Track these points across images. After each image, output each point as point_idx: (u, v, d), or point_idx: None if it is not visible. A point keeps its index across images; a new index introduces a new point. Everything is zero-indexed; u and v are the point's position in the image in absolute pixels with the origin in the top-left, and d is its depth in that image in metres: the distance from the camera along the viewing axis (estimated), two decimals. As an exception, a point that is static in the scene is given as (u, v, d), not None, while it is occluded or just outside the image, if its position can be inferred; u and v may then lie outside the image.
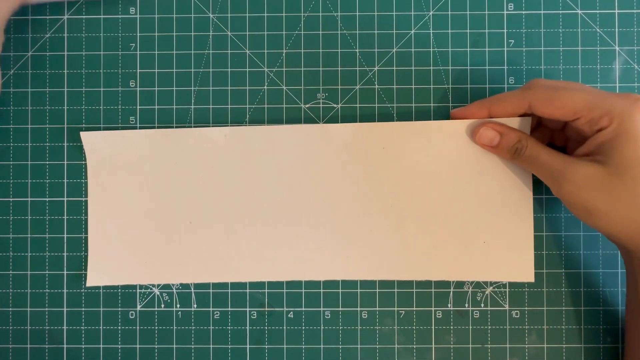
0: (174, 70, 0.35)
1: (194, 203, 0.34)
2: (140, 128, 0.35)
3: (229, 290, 0.35)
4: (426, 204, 0.34)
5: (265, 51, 0.35)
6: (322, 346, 0.35)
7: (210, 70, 0.35)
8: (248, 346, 0.35)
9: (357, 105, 0.35)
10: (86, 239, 0.35)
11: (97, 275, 0.34)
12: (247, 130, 0.34)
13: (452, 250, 0.34)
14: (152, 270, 0.34)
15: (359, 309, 0.35)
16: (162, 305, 0.35)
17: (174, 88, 0.35)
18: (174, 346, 0.35)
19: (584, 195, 0.28)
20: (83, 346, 0.35)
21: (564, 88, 0.29)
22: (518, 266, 0.34)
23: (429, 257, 0.34)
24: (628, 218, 0.28)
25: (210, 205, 0.34)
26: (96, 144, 0.34)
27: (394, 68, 0.35)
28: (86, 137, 0.34)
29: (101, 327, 0.35)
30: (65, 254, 0.35)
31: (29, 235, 0.35)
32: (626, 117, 0.27)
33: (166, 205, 0.34)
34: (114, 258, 0.34)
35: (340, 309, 0.35)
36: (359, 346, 0.35)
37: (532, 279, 0.34)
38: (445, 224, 0.34)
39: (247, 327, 0.35)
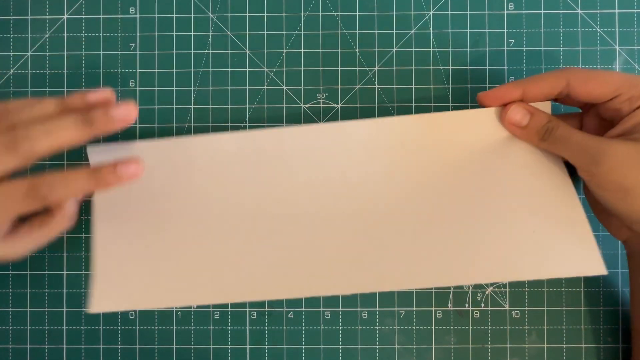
0: (174, 70, 0.35)
1: (207, 215, 0.31)
2: (140, 128, 0.35)
3: (229, 290, 0.35)
4: (456, 200, 0.30)
5: (265, 51, 0.35)
6: (322, 346, 0.35)
7: (210, 70, 0.35)
8: (248, 346, 0.35)
9: (357, 105, 0.35)
10: (86, 239, 0.35)
11: (103, 300, 0.30)
12: (258, 135, 0.32)
13: (499, 247, 0.29)
14: (164, 291, 0.30)
15: (359, 309, 0.35)
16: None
17: (174, 88, 0.35)
18: (174, 346, 0.35)
19: (624, 173, 0.27)
20: (83, 346, 0.35)
21: (601, 70, 0.29)
22: (582, 256, 0.29)
23: (472, 259, 0.30)
24: None
25: (224, 217, 0.31)
26: (103, 157, 0.30)
27: (394, 68, 0.35)
28: (92, 150, 0.31)
29: (101, 327, 0.35)
30: (65, 254, 0.35)
31: (28, 235, 0.35)
32: None
33: (177, 219, 0.31)
34: (122, 281, 0.30)
35: (340, 309, 0.35)
36: (359, 346, 0.35)
37: (604, 271, 0.29)
38: (483, 220, 0.30)
39: (247, 327, 0.35)
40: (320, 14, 0.35)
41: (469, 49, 0.35)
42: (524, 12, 0.35)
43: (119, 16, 0.35)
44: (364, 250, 0.30)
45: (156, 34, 0.35)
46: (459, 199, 0.31)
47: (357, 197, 0.31)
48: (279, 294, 0.30)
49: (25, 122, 0.26)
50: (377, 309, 0.35)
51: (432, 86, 0.35)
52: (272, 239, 0.31)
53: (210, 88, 0.35)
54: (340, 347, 0.35)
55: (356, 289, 0.30)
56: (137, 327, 0.35)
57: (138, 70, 0.35)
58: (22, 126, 0.25)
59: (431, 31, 0.35)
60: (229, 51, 0.35)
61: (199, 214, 0.31)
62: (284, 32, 0.35)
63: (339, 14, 0.35)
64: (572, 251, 0.29)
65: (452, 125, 0.31)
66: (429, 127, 0.31)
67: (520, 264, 0.29)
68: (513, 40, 0.35)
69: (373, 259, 0.30)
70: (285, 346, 0.35)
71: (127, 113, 0.26)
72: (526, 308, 0.35)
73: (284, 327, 0.35)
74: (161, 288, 0.30)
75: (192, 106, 0.35)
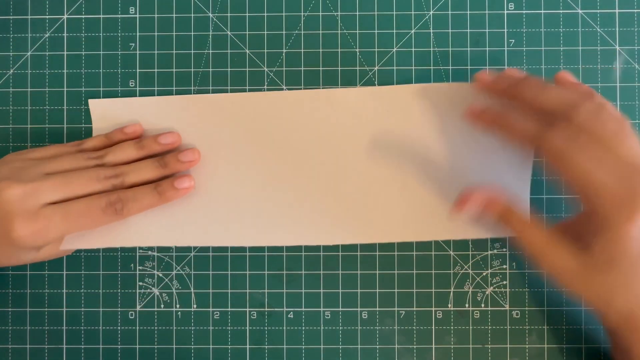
0: (174, 70, 0.35)
1: (198, 169, 0.34)
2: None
3: (229, 291, 0.35)
4: (428, 165, 0.33)
5: (265, 51, 0.35)
6: (322, 346, 0.35)
7: (210, 70, 0.35)
8: (248, 346, 0.35)
9: (357, 105, 0.35)
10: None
11: (73, 238, 0.32)
12: (253, 97, 0.34)
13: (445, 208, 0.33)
14: (141, 230, 0.33)
15: (359, 309, 0.35)
16: (162, 306, 0.35)
17: (174, 88, 0.35)
18: (174, 346, 0.35)
19: (565, 282, 0.27)
20: (83, 346, 0.35)
21: (568, 156, 0.26)
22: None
23: (436, 217, 0.33)
24: (606, 303, 0.27)
25: (213, 171, 0.34)
26: (104, 111, 0.34)
27: (394, 68, 0.35)
28: (94, 104, 0.34)
29: (101, 327, 0.35)
30: (65, 254, 0.35)
31: (28, 235, 0.35)
32: (619, 229, 0.25)
33: None
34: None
35: (340, 309, 0.35)
36: (359, 346, 0.35)
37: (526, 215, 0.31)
38: (447, 183, 0.33)
39: (247, 327, 0.35)
40: (320, 13, 0.35)
41: (469, 48, 0.35)
42: (524, 12, 0.35)
43: (119, 16, 0.35)
44: (343, 207, 0.34)
45: (156, 34, 0.35)
46: (433, 164, 0.34)
47: (342, 159, 0.34)
48: (258, 241, 0.34)
49: (125, 177, 0.30)
50: (377, 309, 0.35)
51: (432, 86, 0.35)
52: (256, 193, 0.34)
53: (210, 88, 0.35)
54: (340, 347, 0.35)
55: (330, 240, 0.34)
56: (137, 327, 0.35)
57: (138, 70, 0.35)
58: (121, 179, 0.30)
59: (431, 31, 0.35)
60: (229, 51, 0.35)
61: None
62: (284, 32, 0.35)
63: (339, 13, 0.35)
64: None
65: (438, 96, 0.34)
66: (414, 97, 0.34)
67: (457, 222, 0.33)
68: (513, 40, 0.35)
69: (352, 214, 0.34)
70: (285, 346, 0.35)
71: (193, 156, 0.32)
72: (526, 308, 0.34)
73: (284, 327, 0.35)
74: (139, 227, 0.33)
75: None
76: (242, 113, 0.34)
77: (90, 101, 0.35)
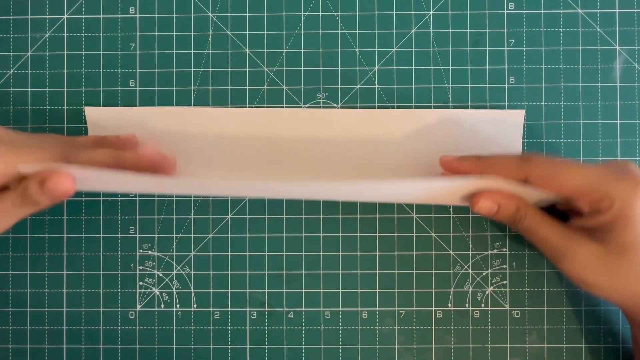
0: (174, 70, 0.35)
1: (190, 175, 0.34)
2: (140, 128, 0.35)
3: (229, 290, 0.35)
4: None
5: (265, 51, 0.35)
6: (322, 346, 0.35)
7: (210, 69, 0.35)
8: (248, 346, 0.35)
9: (357, 104, 0.35)
10: (86, 239, 0.35)
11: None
12: (250, 113, 0.34)
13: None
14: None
15: (359, 309, 0.35)
16: (162, 306, 0.35)
17: (174, 88, 0.35)
18: (174, 346, 0.35)
19: (583, 273, 0.28)
20: (83, 346, 0.35)
21: (564, 166, 0.28)
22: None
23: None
24: (625, 292, 0.28)
25: (207, 186, 0.32)
26: (99, 119, 0.34)
27: (394, 68, 0.35)
28: (90, 112, 0.34)
29: (101, 327, 0.35)
30: (65, 254, 0.35)
31: (28, 235, 0.35)
32: (627, 203, 0.27)
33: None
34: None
35: (340, 309, 0.35)
36: (359, 346, 0.35)
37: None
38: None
39: (247, 327, 0.35)
40: (320, 13, 0.35)
41: (469, 48, 0.35)
42: (524, 11, 0.35)
43: (119, 16, 0.35)
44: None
45: (156, 33, 0.35)
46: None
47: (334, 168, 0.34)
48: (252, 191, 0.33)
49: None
50: (377, 309, 0.35)
51: (432, 86, 0.35)
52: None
53: (210, 88, 0.35)
54: (340, 347, 0.35)
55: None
56: (137, 327, 0.35)
57: (138, 70, 0.35)
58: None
59: (431, 31, 0.35)
60: (229, 51, 0.35)
61: (183, 172, 0.34)
62: (284, 32, 0.35)
63: (339, 13, 0.35)
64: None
65: (429, 121, 0.34)
66: (408, 122, 0.34)
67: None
68: (513, 40, 0.35)
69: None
70: (285, 346, 0.35)
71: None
72: (526, 308, 0.34)
73: (284, 327, 0.35)
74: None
75: (192, 106, 0.35)
76: (240, 128, 0.34)
77: (86, 109, 0.34)
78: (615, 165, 0.29)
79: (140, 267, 0.35)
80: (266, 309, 0.35)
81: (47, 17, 0.35)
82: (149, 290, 0.35)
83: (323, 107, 0.35)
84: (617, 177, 0.27)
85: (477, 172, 0.30)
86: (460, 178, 0.29)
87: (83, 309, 0.35)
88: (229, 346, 0.35)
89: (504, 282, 0.35)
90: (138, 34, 0.35)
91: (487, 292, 0.35)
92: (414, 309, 0.35)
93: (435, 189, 0.31)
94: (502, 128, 0.33)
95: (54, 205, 0.30)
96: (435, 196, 0.32)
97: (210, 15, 0.35)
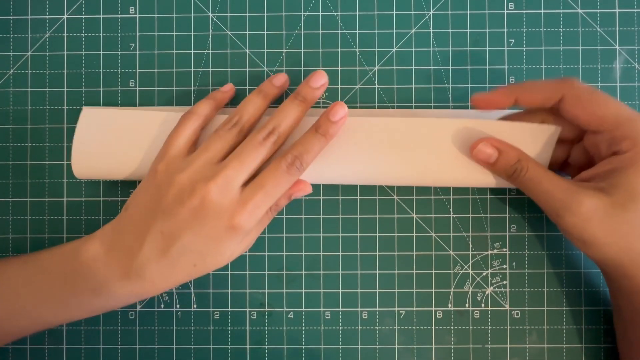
0: (174, 70, 0.35)
1: None
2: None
3: (229, 290, 0.35)
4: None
5: (265, 50, 0.35)
6: (322, 346, 0.35)
7: (210, 69, 0.35)
8: (248, 346, 0.35)
9: (358, 104, 0.35)
10: (86, 239, 0.35)
11: (82, 168, 0.33)
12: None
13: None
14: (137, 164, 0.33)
15: (359, 309, 0.35)
16: (162, 306, 0.35)
17: (174, 88, 0.35)
18: (174, 346, 0.35)
19: (585, 227, 0.27)
20: (83, 346, 0.35)
21: (600, 95, 0.28)
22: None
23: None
24: (623, 247, 0.28)
25: None
26: (92, 120, 0.34)
27: (394, 67, 0.35)
28: (87, 111, 0.34)
29: (101, 327, 0.35)
30: (65, 254, 0.35)
31: (28, 236, 0.35)
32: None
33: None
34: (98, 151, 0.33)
35: (340, 309, 0.35)
36: (359, 346, 0.35)
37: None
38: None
39: (247, 327, 0.35)
40: (320, 13, 0.35)
41: (469, 48, 0.35)
42: (524, 11, 0.35)
43: (119, 16, 0.35)
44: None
45: (156, 33, 0.35)
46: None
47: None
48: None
49: (285, 129, 0.31)
50: (377, 309, 0.35)
51: (432, 86, 0.35)
52: None
53: (210, 88, 0.35)
54: (340, 347, 0.35)
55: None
56: (137, 327, 0.35)
57: (138, 70, 0.35)
58: (282, 135, 0.31)
59: (431, 31, 0.35)
60: (229, 51, 0.35)
61: None
62: (283, 32, 0.35)
63: (339, 13, 0.35)
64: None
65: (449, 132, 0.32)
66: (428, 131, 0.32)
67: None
68: (513, 40, 0.35)
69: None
70: (285, 346, 0.35)
71: (323, 79, 0.32)
72: (526, 308, 0.34)
73: (284, 327, 0.35)
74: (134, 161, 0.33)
75: (192, 106, 0.35)
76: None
77: (84, 108, 0.34)
78: None
79: (140, 267, 0.35)
80: (266, 309, 0.35)
81: (47, 17, 0.35)
82: (149, 290, 0.35)
83: (323, 108, 0.35)
84: None
85: (511, 98, 0.29)
86: (489, 114, 0.30)
87: (83, 309, 0.35)
88: (229, 346, 0.35)
89: (504, 282, 0.35)
90: (138, 34, 0.35)
91: (487, 292, 0.35)
92: (414, 309, 0.35)
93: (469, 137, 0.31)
94: (534, 142, 0.31)
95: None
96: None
97: (210, 15, 0.35)
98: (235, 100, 0.35)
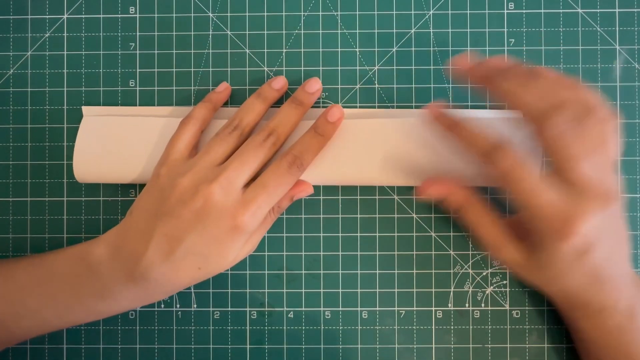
0: (174, 69, 0.35)
1: None
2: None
3: (229, 290, 0.35)
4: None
5: (265, 50, 0.35)
6: (322, 346, 0.35)
7: (210, 69, 0.35)
8: (248, 346, 0.35)
9: (358, 104, 0.35)
10: (86, 238, 0.35)
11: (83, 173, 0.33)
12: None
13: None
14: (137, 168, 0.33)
15: (359, 309, 0.35)
16: (162, 305, 0.35)
17: (174, 88, 0.35)
18: (174, 346, 0.35)
19: (516, 270, 0.30)
20: (83, 346, 0.35)
21: (529, 172, 0.28)
22: None
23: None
24: (553, 289, 0.30)
25: None
26: (94, 121, 0.34)
27: (394, 67, 0.35)
28: (87, 110, 0.34)
29: (101, 327, 0.35)
30: (65, 253, 0.35)
31: (28, 235, 0.35)
32: (555, 247, 0.27)
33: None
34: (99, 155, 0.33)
35: (340, 309, 0.35)
36: (359, 346, 0.35)
37: None
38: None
39: (247, 327, 0.35)
40: (320, 13, 0.35)
41: (469, 48, 0.35)
42: (524, 11, 0.35)
43: (119, 16, 0.35)
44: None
45: (156, 33, 0.35)
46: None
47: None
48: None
49: (284, 131, 0.31)
50: (377, 308, 0.35)
51: (432, 86, 0.35)
52: None
53: (211, 88, 0.35)
54: (340, 347, 0.35)
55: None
56: (137, 327, 0.35)
57: (138, 70, 0.35)
58: (281, 135, 0.31)
59: (431, 30, 0.35)
60: (229, 51, 0.35)
61: None
62: (284, 32, 0.35)
63: (339, 13, 0.35)
64: None
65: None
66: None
67: None
68: (513, 40, 0.35)
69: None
70: (285, 346, 0.35)
71: (318, 85, 0.34)
72: (526, 308, 0.34)
73: (284, 327, 0.35)
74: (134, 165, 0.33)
75: (192, 106, 0.35)
76: None
77: (84, 108, 0.34)
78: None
79: (140, 267, 0.35)
80: (266, 309, 0.35)
81: (47, 17, 0.35)
82: (149, 290, 0.35)
83: (323, 107, 0.35)
84: (558, 220, 0.27)
85: (486, 86, 0.30)
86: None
87: (83, 308, 0.35)
88: (229, 346, 0.35)
89: (504, 282, 0.35)
90: (138, 33, 0.35)
91: (487, 292, 0.35)
92: (414, 308, 0.35)
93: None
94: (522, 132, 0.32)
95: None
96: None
97: (210, 15, 0.35)
98: (232, 101, 0.35)
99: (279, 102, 0.35)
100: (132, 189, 0.35)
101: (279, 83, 0.34)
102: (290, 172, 0.30)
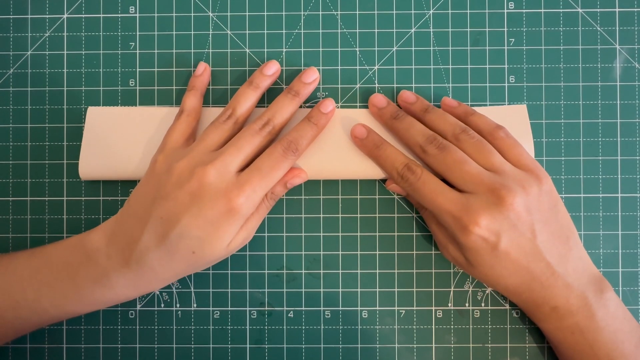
0: (174, 69, 0.35)
1: None
2: (140, 127, 0.35)
3: (229, 290, 0.35)
4: None
5: (265, 50, 0.35)
6: (322, 346, 0.35)
7: (210, 69, 0.35)
8: (248, 346, 0.35)
9: (358, 104, 0.35)
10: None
11: (88, 169, 0.33)
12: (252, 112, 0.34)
13: None
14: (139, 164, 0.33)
15: (359, 308, 0.35)
16: (162, 305, 0.35)
17: (174, 87, 0.35)
18: (174, 346, 0.35)
19: (460, 268, 0.32)
20: (83, 346, 0.35)
21: (422, 187, 0.31)
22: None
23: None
24: (498, 286, 0.31)
25: None
26: (97, 120, 0.34)
27: (394, 67, 0.35)
28: (91, 112, 0.34)
29: (101, 327, 0.35)
30: (65, 253, 0.35)
31: (28, 235, 0.35)
32: (463, 241, 0.29)
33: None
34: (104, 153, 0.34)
35: (340, 308, 0.35)
36: (359, 346, 0.35)
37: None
38: None
39: (247, 327, 0.35)
40: (320, 13, 0.35)
41: (469, 47, 0.35)
42: (524, 10, 0.35)
43: (119, 15, 0.35)
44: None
45: (156, 33, 0.35)
46: None
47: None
48: None
49: (280, 121, 0.32)
50: (377, 308, 0.35)
51: (432, 85, 0.35)
52: None
53: (211, 87, 0.35)
54: (340, 346, 0.35)
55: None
56: (137, 327, 0.35)
57: (138, 70, 0.35)
58: (276, 124, 0.32)
59: (431, 30, 0.35)
60: (228, 50, 0.35)
61: None
62: (284, 31, 0.35)
63: (339, 12, 0.35)
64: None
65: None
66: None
67: None
68: (513, 39, 0.35)
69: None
70: (285, 346, 0.35)
71: (314, 75, 0.34)
72: (527, 307, 0.34)
73: (284, 327, 0.35)
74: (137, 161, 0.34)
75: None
76: None
77: (90, 109, 0.34)
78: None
79: (140, 267, 0.35)
80: (266, 308, 0.35)
81: (47, 16, 0.35)
82: (148, 289, 0.35)
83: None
84: (457, 219, 0.29)
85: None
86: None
87: (83, 308, 0.35)
88: (229, 346, 0.35)
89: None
90: (138, 33, 0.35)
91: (487, 292, 0.35)
92: (414, 308, 0.35)
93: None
94: (508, 124, 0.33)
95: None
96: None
97: (210, 14, 0.35)
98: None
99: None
100: (132, 188, 0.35)
101: (271, 68, 0.34)
102: (285, 157, 0.30)
